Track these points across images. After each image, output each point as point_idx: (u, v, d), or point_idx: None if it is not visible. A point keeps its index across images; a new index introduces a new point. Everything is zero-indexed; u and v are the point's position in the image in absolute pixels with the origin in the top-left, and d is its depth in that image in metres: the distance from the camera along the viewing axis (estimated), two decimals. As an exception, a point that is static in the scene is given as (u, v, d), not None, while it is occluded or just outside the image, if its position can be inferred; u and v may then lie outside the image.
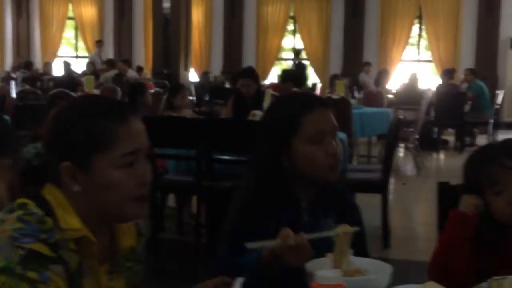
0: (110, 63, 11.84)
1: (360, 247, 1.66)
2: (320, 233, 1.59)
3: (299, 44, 14.46)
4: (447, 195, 2.20)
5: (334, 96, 7.55)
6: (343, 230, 1.54)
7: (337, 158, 1.78)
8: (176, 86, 5.89)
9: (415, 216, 6.36)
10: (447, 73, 10.55)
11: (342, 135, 4.93)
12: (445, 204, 2.18)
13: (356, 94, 10.16)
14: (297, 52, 13.73)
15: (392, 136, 5.12)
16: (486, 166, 1.73)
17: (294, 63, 13.49)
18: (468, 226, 1.72)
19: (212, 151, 4.39)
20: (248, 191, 1.83)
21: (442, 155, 9.55)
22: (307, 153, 1.76)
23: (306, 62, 13.89)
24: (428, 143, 9.39)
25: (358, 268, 1.52)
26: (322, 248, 1.54)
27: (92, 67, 12.73)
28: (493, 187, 1.71)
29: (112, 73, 10.84)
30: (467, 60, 12.61)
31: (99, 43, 14.87)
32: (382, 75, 11.46)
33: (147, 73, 13.41)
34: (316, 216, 1.80)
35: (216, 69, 14.30)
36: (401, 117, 5.29)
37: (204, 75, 13.39)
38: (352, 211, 1.89)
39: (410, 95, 9.30)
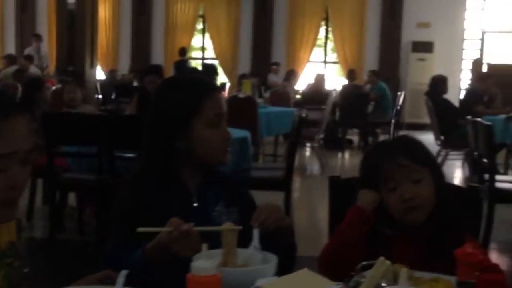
0: (10, 59, 11.38)
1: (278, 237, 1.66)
2: (208, 227, 1.58)
3: (208, 43, 14.45)
4: (338, 189, 2.25)
5: (241, 95, 7.59)
6: (228, 228, 1.54)
7: (229, 143, 1.82)
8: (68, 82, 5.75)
9: (319, 213, 6.48)
10: (349, 74, 10.82)
11: (246, 133, 4.97)
12: (337, 197, 2.23)
13: (264, 94, 10.25)
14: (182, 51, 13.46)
15: (294, 135, 5.19)
16: (381, 162, 1.77)
17: (202, 63, 13.45)
18: (366, 221, 1.74)
19: (113, 148, 4.31)
20: (135, 177, 1.82)
21: (346, 154, 9.78)
22: (206, 136, 1.78)
23: (215, 62, 13.91)
24: (333, 143, 9.61)
25: (246, 263, 1.52)
26: (213, 238, 1.54)
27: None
28: (386, 183, 1.74)
29: (12, 69, 10.44)
30: (371, 62, 12.99)
31: (37, 37, 14.07)
32: (290, 76, 11.62)
33: (51, 69, 13.00)
34: (205, 201, 1.80)
35: (124, 67, 14.06)
36: (304, 115, 5.36)
37: (111, 73, 13.14)
38: (242, 197, 1.89)
39: (316, 96, 9.48)
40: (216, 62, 13.90)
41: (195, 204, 1.80)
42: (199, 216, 1.70)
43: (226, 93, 9.99)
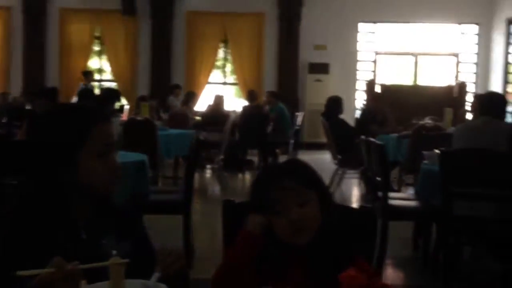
0: None
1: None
2: (94, 264, 1.50)
3: (106, 65, 14.19)
4: (231, 212, 2.23)
5: (139, 118, 7.47)
6: (114, 262, 1.48)
7: (120, 173, 1.75)
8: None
9: (219, 235, 6.43)
10: (249, 95, 10.90)
11: (143, 157, 4.87)
12: (230, 221, 2.22)
13: (163, 116, 10.15)
14: (87, 73, 13.25)
15: (192, 157, 5.14)
16: (268, 186, 1.76)
17: (103, 87, 13.17)
18: (254, 245, 1.73)
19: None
20: (20, 210, 1.71)
21: (247, 175, 9.82)
22: (93, 167, 1.69)
23: (113, 84, 13.65)
24: (234, 164, 9.62)
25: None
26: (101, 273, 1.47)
27: None
28: (273, 206, 1.73)
29: None
30: (270, 83, 13.16)
31: None
32: (189, 97, 11.57)
33: None
34: (94, 234, 1.72)
35: (16, 89, 13.53)
36: (201, 137, 5.32)
37: (3, 95, 12.61)
38: (134, 228, 1.83)
39: (215, 117, 9.48)
40: (114, 85, 13.66)
41: (83, 237, 1.71)
42: (87, 249, 1.62)
43: (124, 115, 9.80)
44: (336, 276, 1.58)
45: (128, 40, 13.77)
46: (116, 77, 13.97)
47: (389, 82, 13.37)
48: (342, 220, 1.86)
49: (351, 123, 9.53)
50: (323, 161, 10.30)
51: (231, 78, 14.26)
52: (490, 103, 4.73)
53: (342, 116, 8.47)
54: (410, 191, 7.32)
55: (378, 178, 4.98)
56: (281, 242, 1.73)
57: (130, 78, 13.85)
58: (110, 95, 6.86)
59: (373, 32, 13.91)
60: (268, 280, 1.70)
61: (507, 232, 4.29)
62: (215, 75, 14.16)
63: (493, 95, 5.15)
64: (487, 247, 4.59)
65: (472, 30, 13.78)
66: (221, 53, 14.01)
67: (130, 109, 12.23)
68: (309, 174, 1.80)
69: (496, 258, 4.55)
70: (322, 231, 1.72)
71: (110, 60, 14.03)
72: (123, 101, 13.58)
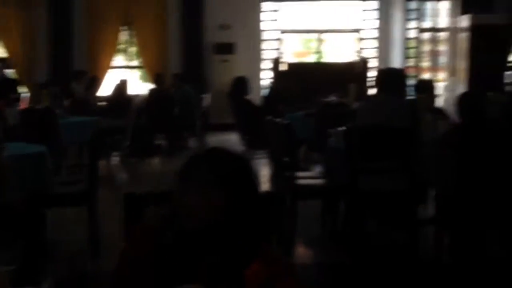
0: None
1: None
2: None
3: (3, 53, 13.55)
4: (133, 205, 2.15)
5: (38, 106, 7.18)
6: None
7: (6, 172, 1.63)
8: None
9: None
10: (156, 78, 10.71)
11: (42, 148, 4.67)
12: (132, 213, 2.14)
13: (65, 103, 9.80)
14: None
15: (94, 145, 4.97)
16: (180, 177, 1.68)
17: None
18: (151, 239, 1.66)
19: None
20: None
21: (156, 160, 9.66)
22: None
23: (10, 71, 13.06)
24: (141, 149, 9.43)
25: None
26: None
27: None
28: (180, 197, 1.66)
29: None
30: (175, 65, 12.96)
31: None
32: (92, 83, 11.24)
33: None
34: None
35: None
36: (105, 124, 5.16)
37: None
38: (28, 229, 1.73)
39: (119, 102, 9.25)
40: (11, 72, 13.07)
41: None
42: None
43: (23, 104, 9.40)
44: (241, 269, 1.54)
45: (24, 23, 13.17)
46: (14, 64, 13.36)
47: (294, 60, 13.47)
48: (247, 209, 1.79)
49: (259, 102, 9.54)
50: (231, 142, 10.29)
51: (135, 62, 13.96)
52: (390, 79, 4.82)
53: (249, 96, 8.46)
54: (317, 169, 7.41)
55: (286, 158, 4.99)
56: (185, 234, 1.66)
57: (28, 64, 13.28)
58: (4, 86, 6.53)
59: (277, 11, 13.95)
60: (176, 276, 1.63)
61: (408, 204, 4.41)
62: (119, 59, 13.81)
63: (392, 71, 5.26)
64: (391, 220, 4.70)
65: (372, 6, 14.06)
66: (124, 35, 13.65)
67: (31, 97, 11.77)
68: (224, 165, 1.69)
69: (399, 228, 4.67)
70: (227, 222, 1.65)
71: (6, 45, 13.38)
72: (22, 89, 13.03)
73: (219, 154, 1.72)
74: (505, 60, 10.57)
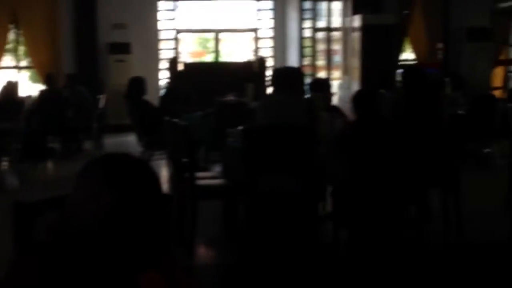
0: None
1: None
2: None
3: None
4: (24, 214, 2.04)
5: None
6: None
7: None
8: None
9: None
10: (47, 79, 10.32)
11: None
12: (23, 223, 2.02)
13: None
14: None
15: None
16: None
17: None
18: (38, 259, 1.55)
19: None
20: None
21: (49, 164, 9.31)
22: None
23: None
24: (34, 153, 9.06)
25: None
26: None
27: None
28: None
29: None
30: (68, 65, 12.56)
31: None
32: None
33: None
34: None
35: None
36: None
37: None
38: None
39: (8, 104, 8.84)
40: None
41: None
42: None
43: None
44: (135, 276, 1.47)
45: None
46: None
47: (191, 60, 13.40)
48: (141, 212, 1.71)
49: (156, 103, 9.40)
50: (129, 143, 10.09)
51: (25, 62, 13.40)
52: (286, 77, 4.85)
53: (145, 97, 8.31)
54: (216, 169, 7.38)
55: (184, 159, 4.93)
56: (73, 238, 1.56)
57: None
58: None
59: (173, 10, 13.83)
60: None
61: (307, 202, 4.46)
62: (7, 59, 13.21)
63: (289, 70, 5.30)
64: (291, 219, 4.74)
65: (268, 6, 14.21)
66: (12, 34, 13.07)
67: None
68: (122, 170, 1.58)
69: (299, 228, 4.72)
70: (118, 225, 1.56)
71: None
72: None
73: (115, 158, 1.64)
74: (395, 59, 10.97)
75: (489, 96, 8.19)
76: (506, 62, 12.84)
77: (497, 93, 11.71)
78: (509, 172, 5.93)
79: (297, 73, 5.07)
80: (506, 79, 12.99)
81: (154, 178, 1.59)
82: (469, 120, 5.48)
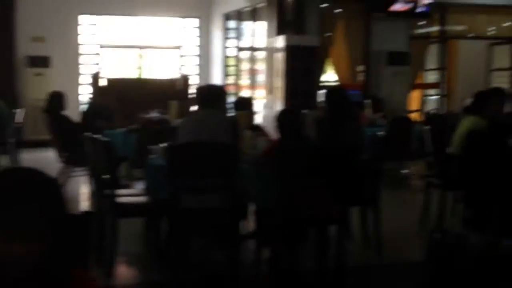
0: None
1: None
2: None
3: None
4: None
5: None
6: None
7: None
8: None
9: None
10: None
11: None
12: None
13: None
14: None
15: None
16: None
17: None
18: None
19: None
20: None
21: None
22: None
23: None
24: None
25: None
26: None
27: None
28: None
29: None
30: (-16, 78, 12.15)
31: None
32: None
33: None
34: None
35: None
36: None
37: None
38: None
39: None
40: None
41: None
42: None
43: None
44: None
45: None
46: None
47: (114, 75, 13.20)
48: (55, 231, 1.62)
49: (77, 118, 9.20)
50: (48, 159, 9.80)
51: None
52: (210, 95, 4.85)
53: (66, 112, 8.13)
54: (139, 186, 7.28)
55: (106, 176, 4.84)
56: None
57: None
58: None
59: (95, 25, 13.62)
60: None
61: (230, 220, 4.46)
62: None
63: (212, 88, 5.30)
64: (213, 237, 4.72)
65: (193, 24, 14.22)
66: None
67: None
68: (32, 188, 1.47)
69: (221, 246, 4.71)
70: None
71: None
72: None
73: (22, 175, 1.54)
74: (317, 79, 11.18)
75: (406, 119, 8.45)
76: (422, 86, 13.31)
77: (414, 116, 12.12)
78: (425, 193, 6.14)
79: (219, 91, 5.08)
80: (422, 102, 13.46)
81: (62, 195, 1.52)
82: (387, 141, 5.63)
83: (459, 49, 14.19)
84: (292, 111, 5.10)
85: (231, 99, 13.18)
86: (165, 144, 4.86)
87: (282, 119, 4.81)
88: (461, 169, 5.55)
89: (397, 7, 11.58)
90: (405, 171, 8.98)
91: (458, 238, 1.80)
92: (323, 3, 11.27)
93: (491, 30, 13.34)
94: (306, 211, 4.43)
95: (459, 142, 5.68)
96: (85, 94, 12.95)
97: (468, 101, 6.18)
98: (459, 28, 13.11)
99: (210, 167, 4.40)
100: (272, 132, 6.15)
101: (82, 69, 13.51)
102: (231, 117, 5.51)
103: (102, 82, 11.73)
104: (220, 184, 4.41)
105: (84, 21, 13.49)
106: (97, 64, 13.62)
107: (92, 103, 9.66)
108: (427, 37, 12.71)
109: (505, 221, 5.23)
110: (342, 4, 11.70)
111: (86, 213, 2.14)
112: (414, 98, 12.96)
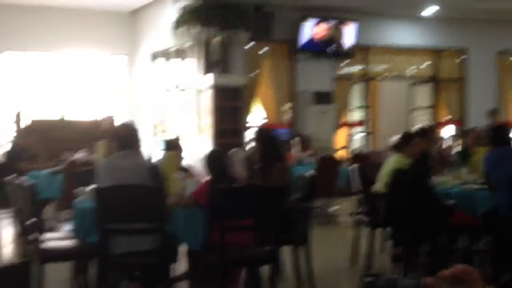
0: None
1: None
2: None
3: None
4: None
5: None
6: None
7: None
8: None
9: None
10: None
11: None
12: None
13: None
14: None
15: None
16: None
17: None
18: None
19: None
20: None
21: None
22: None
23: None
24: None
25: None
26: None
27: None
28: None
29: None
30: None
31: None
32: None
33: None
34: None
35: None
36: None
37: None
38: None
39: None
40: None
41: None
42: None
43: None
44: None
45: None
46: None
47: (37, 115, 12.86)
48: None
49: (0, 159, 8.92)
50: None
51: None
52: (123, 137, 4.69)
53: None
54: (66, 228, 7.08)
55: (31, 219, 4.69)
56: None
57: None
58: None
59: (18, 62, 13.31)
60: None
61: (160, 263, 4.39)
62: None
63: (124, 127, 5.06)
64: (144, 279, 4.64)
65: (120, 61, 14.09)
66: None
67: None
68: None
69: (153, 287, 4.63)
70: None
71: None
72: None
73: None
74: (244, 119, 11.27)
75: (333, 158, 8.62)
76: (347, 125, 13.63)
77: (340, 153, 12.36)
78: (354, 230, 6.23)
79: (132, 131, 4.85)
80: (348, 140, 13.76)
81: None
82: (315, 179, 5.72)
83: (381, 89, 14.65)
84: (219, 152, 5.11)
85: (159, 138, 13.09)
86: (92, 187, 4.76)
87: (210, 160, 4.82)
88: (388, 206, 5.68)
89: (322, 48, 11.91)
90: (332, 208, 9.11)
91: (388, 282, 1.84)
92: (248, 43, 11.43)
93: (411, 70, 13.86)
94: (237, 252, 4.42)
95: (384, 180, 5.82)
96: (6, 134, 12.56)
97: (393, 139, 6.37)
98: (381, 68, 13.56)
99: (138, 210, 4.33)
100: (201, 172, 6.15)
101: (3, 108, 13.13)
102: (148, 160, 5.42)
103: (25, 122, 11.41)
104: (149, 226, 4.34)
105: (6, 58, 13.16)
106: (20, 103, 13.27)
107: (15, 144, 9.38)
108: (350, 77, 13.08)
109: (432, 259, 5.37)
110: (267, 44, 11.91)
111: (23, 262, 2.06)
112: (340, 136, 13.24)
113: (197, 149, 10.54)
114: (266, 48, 12.04)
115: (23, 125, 11.17)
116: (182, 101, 12.15)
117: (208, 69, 10.93)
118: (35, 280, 4.47)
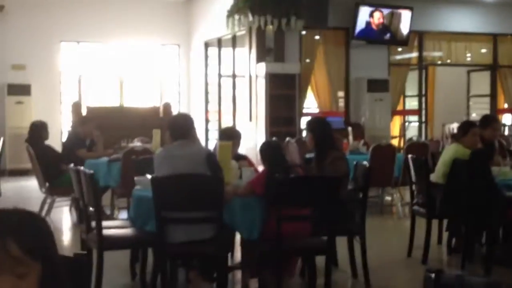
0: None
1: None
2: None
3: None
4: None
5: None
6: None
7: None
8: None
9: None
10: None
11: None
12: None
13: None
14: None
15: None
16: None
17: None
18: None
19: None
20: None
21: None
22: None
23: None
24: None
25: None
26: None
27: None
28: None
29: None
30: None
31: None
32: None
33: None
34: None
35: None
36: None
37: None
38: None
39: None
40: None
41: None
42: None
43: None
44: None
45: None
46: None
47: (95, 104, 13.14)
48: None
49: (58, 148, 9.13)
50: (29, 188, 9.73)
51: None
52: (178, 127, 4.73)
53: (47, 142, 8.08)
54: (123, 215, 7.23)
55: (91, 208, 4.79)
56: None
57: None
58: None
59: (76, 52, 13.60)
60: None
61: (217, 252, 4.43)
62: None
63: (178, 118, 5.13)
64: (200, 268, 4.69)
65: (174, 51, 14.25)
66: None
67: None
68: (39, 239, 1.45)
69: (210, 276, 4.67)
70: None
71: None
72: None
73: (31, 221, 1.50)
74: (299, 106, 11.23)
75: (389, 146, 8.50)
76: (402, 112, 13.43)
77: (395, 142, 12.21)
78: (410, 221, 6.14)
79: (186, 121, 4.89)
80: (403, 128, 13.58)
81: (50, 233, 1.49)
82: (370, 168, 5.64)
83: (437, 76, 14.38)
84: (274, 143, 5.10)
85: (212, 126, 13.17)
86: (148, 175, 4.82)
87: (265, 150, 4.82)
88: (445, 197, 5.59)
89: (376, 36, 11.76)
90: (388, 198, 9.02)
91: (455, 279, 1.80)
92: (302, 31, 11.37)
93: (469, 57, 13.55)
94: (293, 242, 4.42)
95: (442, 170, 5.72)
96: (66, 122, 12.87)
97: (451, 127, 6.24)
98: (437, 55, 13.30)
99: (195, 199, 4.38)
100: (256, 161, 6.16)
101: (63, 97, 13.45)
102: (205, 149, 5.44)
103: (83, 111, 11.66)
104: (206, 216, 4.38)
105: (65, 48, 13.46)
106: (78, 92, 13.56)
107: (73, 133, 9.59)
108: (406, 64, 12.87)
109: (491, 251, 5.27)
110: (321, 31, 11.82)
111: (80, 255, 2.09)
112: (395, 125, 13.07)
113: (250, 137, 10.57)
114: (319, 36, 11.97)
115: (81, 113, 11.41)
116: (236, 89, 12.19)
117: (261, 57, 10.92)
118: (94, 267, 4.58)
